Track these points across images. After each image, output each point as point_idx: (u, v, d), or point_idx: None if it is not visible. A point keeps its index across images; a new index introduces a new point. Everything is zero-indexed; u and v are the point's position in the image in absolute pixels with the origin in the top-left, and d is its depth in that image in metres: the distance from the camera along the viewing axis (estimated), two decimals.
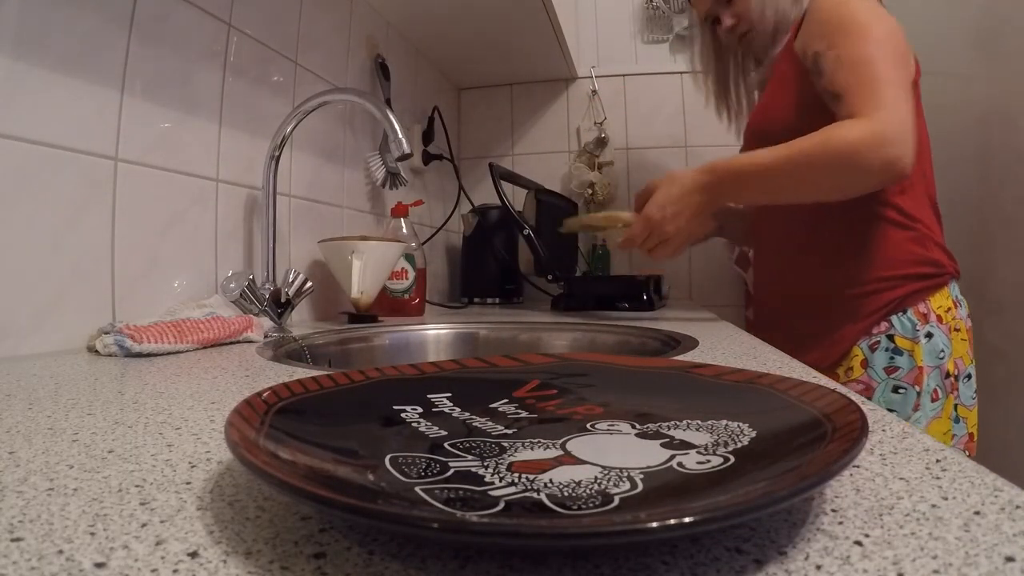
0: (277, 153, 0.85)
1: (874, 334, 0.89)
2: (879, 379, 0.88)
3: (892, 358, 0.87)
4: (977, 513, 0.19)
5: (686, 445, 0.25)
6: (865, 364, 0.89)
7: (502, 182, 1.29)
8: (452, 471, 0.22)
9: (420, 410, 0.31)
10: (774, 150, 0.82)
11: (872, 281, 0.90)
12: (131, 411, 0.35)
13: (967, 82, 1.31)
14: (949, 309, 0.89)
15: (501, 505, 0.19)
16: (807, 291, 0.98)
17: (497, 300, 1.59)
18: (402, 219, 1.20)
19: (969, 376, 0.90)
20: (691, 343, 0.65)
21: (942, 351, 0.87)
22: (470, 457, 0.24)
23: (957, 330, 0.89)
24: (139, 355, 0.58)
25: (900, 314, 0.88)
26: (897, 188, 0.89)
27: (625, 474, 0.22)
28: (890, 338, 0.88)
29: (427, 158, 1.52)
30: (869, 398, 0.86)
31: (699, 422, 0.28)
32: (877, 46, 0.81)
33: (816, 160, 0.79)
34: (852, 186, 0.82)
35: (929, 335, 0.87)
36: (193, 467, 0.25)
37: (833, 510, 0.20)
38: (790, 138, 0.82)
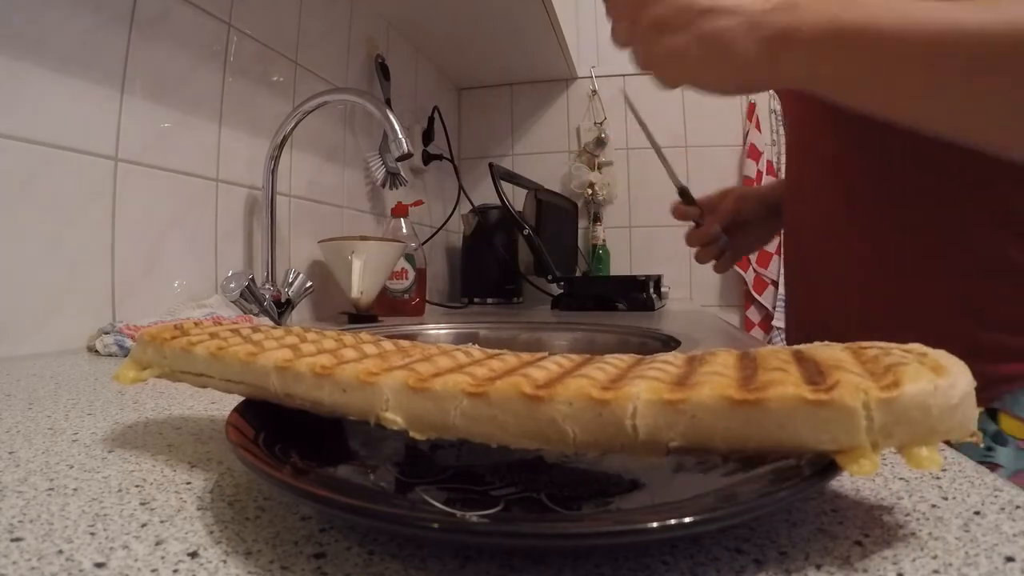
0: (277, 153, 0.85)
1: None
2: None
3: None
4: (977, 513, 0.19)
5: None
6: None
7: (502, 182, 1.29)
8: (452, 471, 0.22)
9: None
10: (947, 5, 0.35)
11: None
12: (131, 411, 0.35)
13: None
14: None
15: (501, 505, 0.19)
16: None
17: (497, 300, 1.59)
18: (402, 219, 1.20)
19: None
20: (691, 343, 0.65)
21: None
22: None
23: None
24: None
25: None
26: None
27: (625, 474, 0.22)
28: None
29: (427, 158, 1.52)
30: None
31: None
32: None
33: None
34: None
35: None
36: (193, 467, 0.25)
37: (833, 510, 0.20)
38: None
